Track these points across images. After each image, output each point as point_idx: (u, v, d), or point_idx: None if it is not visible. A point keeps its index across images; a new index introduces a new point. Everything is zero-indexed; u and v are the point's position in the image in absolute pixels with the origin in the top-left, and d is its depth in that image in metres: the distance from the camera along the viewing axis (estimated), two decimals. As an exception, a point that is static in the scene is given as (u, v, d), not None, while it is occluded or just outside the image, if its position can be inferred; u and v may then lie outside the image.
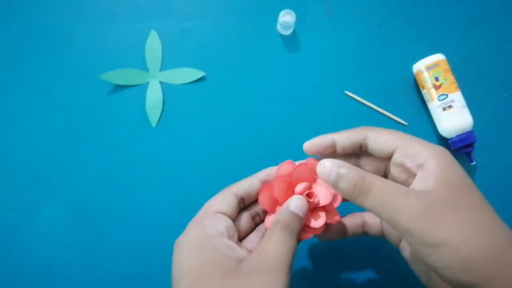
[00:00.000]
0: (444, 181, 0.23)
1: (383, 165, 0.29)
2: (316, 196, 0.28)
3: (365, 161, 0.30)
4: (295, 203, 0.26)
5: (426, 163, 0.24)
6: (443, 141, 0.41)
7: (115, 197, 0.40)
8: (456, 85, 0.39)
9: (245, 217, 0.30)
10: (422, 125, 0.41)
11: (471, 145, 0.38)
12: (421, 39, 0.43)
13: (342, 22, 0.44)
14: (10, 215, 0.39)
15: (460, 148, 0.39)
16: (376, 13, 0.44)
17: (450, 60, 0.40)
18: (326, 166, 0.25)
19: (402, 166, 0.26)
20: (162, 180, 0.40)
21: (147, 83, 0.42)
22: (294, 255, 0.25)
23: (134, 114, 0.42)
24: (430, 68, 0.39)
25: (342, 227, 0.31)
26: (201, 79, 0.42)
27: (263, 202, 0.29)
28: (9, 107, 0.42)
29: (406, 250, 0.29)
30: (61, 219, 0.39)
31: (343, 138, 0.29)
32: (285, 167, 0.29)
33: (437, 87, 0.39)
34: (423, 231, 0.22)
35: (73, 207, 0.40)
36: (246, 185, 0.29)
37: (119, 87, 0.42)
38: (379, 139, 0.27)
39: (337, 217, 0.29)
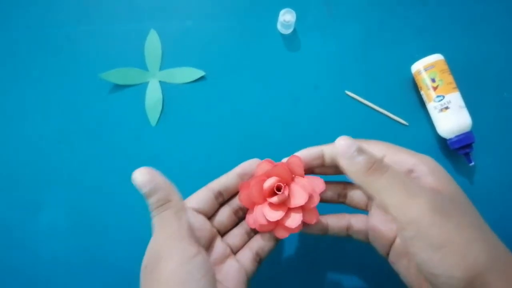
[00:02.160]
0: (445, 183, 0.24)
1: None
2: (285, 190, 0.28)
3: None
4: None
5: (416, 167, 0.25)
6: (442, 142, 0.41)
7: (115, 196, 0.40)
8: (453, 85, 0.39)
9: (226, 212, 0.30)
10: (423, 125, 0.41)
11: (469, 145, 0.38)
12: (421, 38, 0.43)
13: (342, 22, 0.44)
14: (11, 215, 0.40)
15: (459, 148, 0.39)
16: (376, 12, 0.44)
17: (449, 59, 0.40)
18: (347, 141, 0.25)
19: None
20: (162, 180, 0.40)
21: (147, 83, 0.42)
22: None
23: (133, 114, 0.42)
24: (427, 69, 0.39)
25: (324, 226, 0.31)
26: (201, 78, 0.42)
27: (243, 200, 0.29)
28: (9, 107, 0.42)
29: (398, 262, 0.28)
30: (62, 219, 0.39)
31: (333, 148, 0.29)
32: (263, 166, 0.30)
33: (433, 88, 0.39)
34: (430, 226, 0.21)
35: (73, 206, 0.40)
36: (223, 180, 0.30)
37: (118, 87, 0.42)
38: (367, 148, 0.27)
39: (316, 218, 0.29)
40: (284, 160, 0.30)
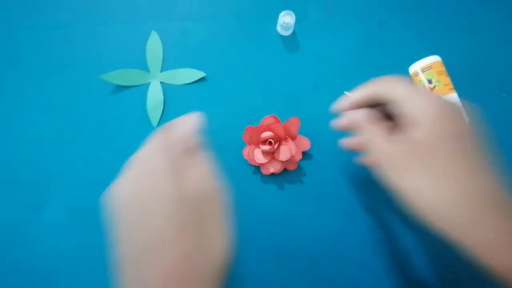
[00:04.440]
0: (427, 131, 0.26)
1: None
2: (275, 144, 0.38)
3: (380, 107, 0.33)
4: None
5: (421, 114, 0.27)
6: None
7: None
8: (450, 86, 0.40)
9: None
10: (420, 125, 0.42)
11: (467, 145, 0.39)
12: (420, 40, 0.44)
13: (341, 23, 0.44)
14: (12, 215, 0.40)
15: (457, 147, 0.39)
16: (376, 14, 0.44)
17: (448, 60, 0.41)
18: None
19: (401, 114, 0.28)
20: (164, 180, 0.41)
21: (148, 84, 0.43)
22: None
23: (135, 115, 0.42)
24: (425, 70, 0.40)
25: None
26: (201, 79, 0.43)
27: (245, 138, 0.40)
28: (11, 107, 0.42)
29: None
30: (62, 219, 0.40)
31: (357, 95, 0.32)
32: (268, 119, 0.39)
33: (430, 90, 0.40)
34: (392, 174, 0.27)
35: (74, 207, 0.40)
36: None
37: (120, 88, 0.42)
38: (386, 91, 0.29)
39: (294, 168, 0.40)
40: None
